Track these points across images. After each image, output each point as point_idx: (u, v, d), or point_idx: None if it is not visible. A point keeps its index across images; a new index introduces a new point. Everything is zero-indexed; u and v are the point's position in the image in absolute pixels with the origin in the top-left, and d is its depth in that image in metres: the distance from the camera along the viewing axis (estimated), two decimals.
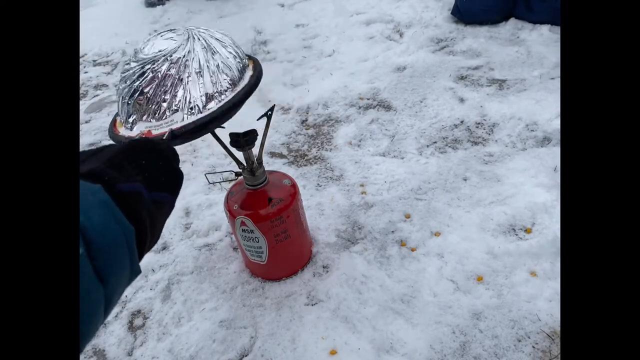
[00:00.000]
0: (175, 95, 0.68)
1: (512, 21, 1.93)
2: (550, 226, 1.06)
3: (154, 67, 0.68)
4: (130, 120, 0.70)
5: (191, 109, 0.68)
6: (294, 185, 0.97)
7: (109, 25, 2.58)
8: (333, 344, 0.90)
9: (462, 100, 1.56)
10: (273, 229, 0.92)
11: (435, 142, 1.40)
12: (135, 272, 0.34)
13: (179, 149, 0.50)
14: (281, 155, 1.45)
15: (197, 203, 1.30)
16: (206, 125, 0.67)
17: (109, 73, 2.18)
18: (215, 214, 1.25)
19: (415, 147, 1.39)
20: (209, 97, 0.68)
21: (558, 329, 0.87)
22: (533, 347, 0.86)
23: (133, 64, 0.70)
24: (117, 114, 0.76)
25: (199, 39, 0.71)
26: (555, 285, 0.94)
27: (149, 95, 0.68)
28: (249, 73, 0.75)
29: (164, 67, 0.68)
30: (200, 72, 0.69)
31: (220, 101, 0.69)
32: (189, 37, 0.71)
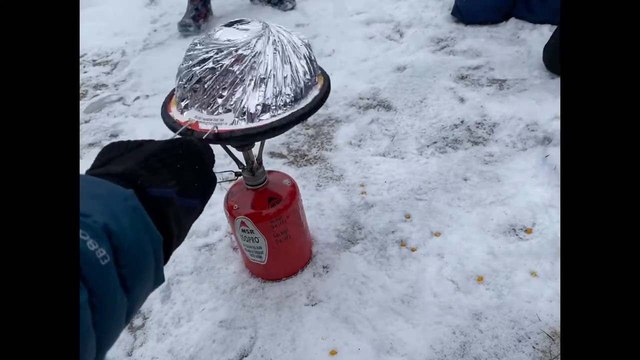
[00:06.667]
0: (233, 95, 0.64)
1: (512, 21, 1.93)
2: (550, 226, 1.06)
3: (216, 57, 0.63)
4: (183, 104, 0.67)
5: (243, 114, 0.64)
6: (294, 186, 0.97)
7: (109, 25, 2.58)
8: (333, 344, 0.90)
9: (462, 100, 1.56)
10: (273, 229, 0.92)
11: (435, 142, 1.40)
12: (159, 280, 0.33)
13: None
14: (281, 155, 1.45)
15: None
16: (254, 136, 0.64)
17: (108, 73, 2.18)
18: (215, 214, 1.24)
19: (415, 147, 1.39)
20: (265, 109, 0.64)
21: (558, 329, 0.87)
22: (533, 347, 0.86)
23: (199, 47, 0.66)
24: (174, 89, 0.72)
25: (273, 42, 0.66)
26: (556, 285, 0.94)
27: (206, 87, 0.64)
28: (314, 93, 0.70)
29: (227, 62, 0.63)
30: (264, 79, 0.64)
31: (274, 115, 0.65)
32: (262, 35, 0.66)
